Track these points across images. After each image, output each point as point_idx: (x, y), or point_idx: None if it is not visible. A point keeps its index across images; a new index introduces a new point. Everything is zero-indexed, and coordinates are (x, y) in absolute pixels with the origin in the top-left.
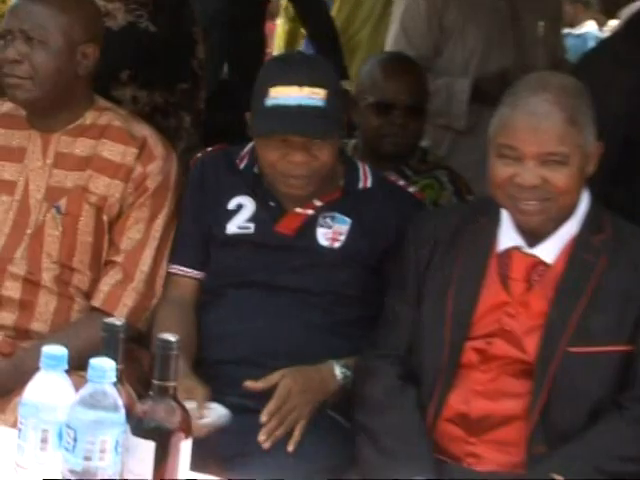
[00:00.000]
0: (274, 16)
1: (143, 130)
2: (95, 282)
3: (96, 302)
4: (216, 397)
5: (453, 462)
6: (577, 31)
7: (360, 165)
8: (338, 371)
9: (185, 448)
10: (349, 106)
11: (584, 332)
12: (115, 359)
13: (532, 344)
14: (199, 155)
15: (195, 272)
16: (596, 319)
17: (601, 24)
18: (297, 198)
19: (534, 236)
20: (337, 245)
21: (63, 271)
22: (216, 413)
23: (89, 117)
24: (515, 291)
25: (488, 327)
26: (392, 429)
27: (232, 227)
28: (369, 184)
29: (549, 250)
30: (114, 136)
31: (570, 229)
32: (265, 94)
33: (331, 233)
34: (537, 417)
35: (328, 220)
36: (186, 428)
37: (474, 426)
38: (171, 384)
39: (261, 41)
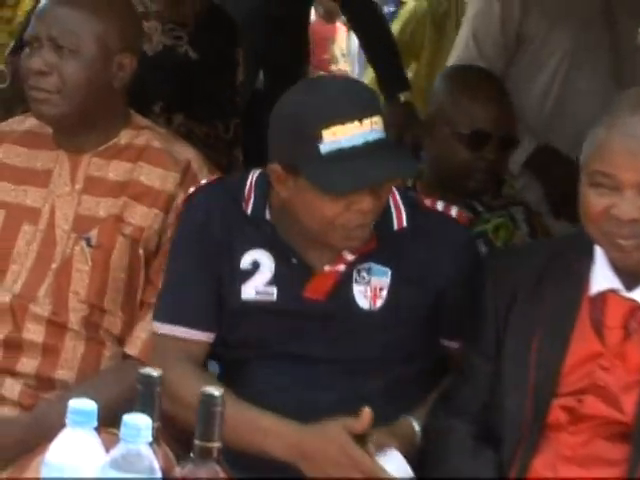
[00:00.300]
0: (333, 17)
1: (186, 152)
2: (129, 325)
3: (131, 350)
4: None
5: None
6: None
7: (391, 200)
8: (417, 427)
9: None
10: (414, 126)
11: None
12: (151, 415)
13: (630, 402)
14: (194, 190)
15: (207, 335)
16: None
17: None
18: (331, 253)
19: (633, 277)
20: (379, 303)
21: (92, 312)
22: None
23: (124, 137)
24: (610, 341)
25: (579, 382)
26: None
27: (249, 291)
28: (405, 222)
29: None
30: (153, 159)
31: None
32: (316, 138)
33: (370, 290)
34: None
35: (364, 274)
36: None
37: None
38: (215, 445)
39: (304, 45)
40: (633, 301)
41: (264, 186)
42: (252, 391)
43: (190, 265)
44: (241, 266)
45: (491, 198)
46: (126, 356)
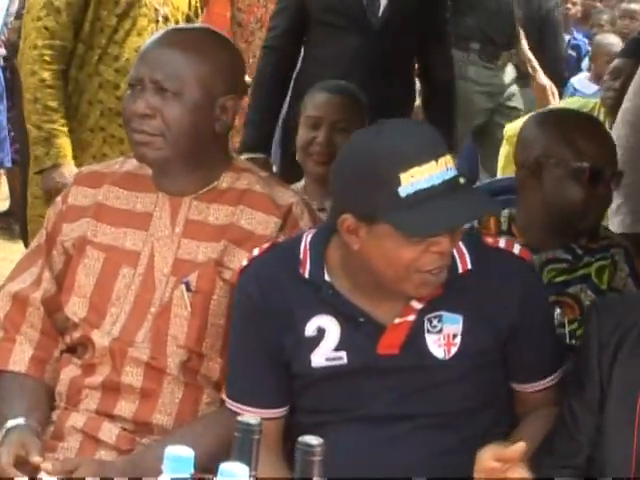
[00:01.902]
0: None
1: (287, 196)
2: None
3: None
4: None
5: None
6: None
7: None
8: None
9: None
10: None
11: None
12: (249, 464)
13: None
14: (246, 264)
15: (278, 410)
16: None
17: None
18: (398, 305)
19: None
20: (454, 351)
21: (191, 357)
22: None
23: (225, 180)
24: None
25: None
26: None
27: (318, 359)
28: (469, 264)
29: None
30: (254, 203)
31: None
32: (394, 182)
33: (443, 338)
34: None
35: (436, 323)
36: None
37: None
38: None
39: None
40: None
41: (320, 246)
42: (330, 456)
43: (250, 345)
44: (306, 334)
45: (589, 240)
46: (224, 402)
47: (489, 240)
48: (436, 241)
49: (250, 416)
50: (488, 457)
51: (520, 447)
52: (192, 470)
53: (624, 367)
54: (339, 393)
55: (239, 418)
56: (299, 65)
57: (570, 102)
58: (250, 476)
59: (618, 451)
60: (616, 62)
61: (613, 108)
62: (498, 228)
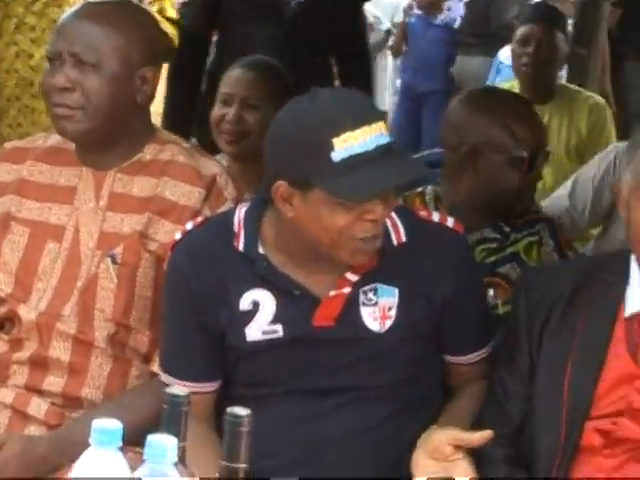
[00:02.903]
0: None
1: (211, 167)
2: (155, 343)
3: (157, 366)
4: None
5: None
6: None
7: None
8: None
9: None
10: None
11: None
12: (177, 435)
13: None
14: (178, 238)
15: (211, 384)
16: None
17: None
18: (333, 277)
19: None
20: (389, 323)
21: (118, 330)
22: None
23: (149, 151)
24: None
25: (614, 405)
26: None
27: (254, 333)
28: (403, 237)
29: None
30: (178, 174)
31: None
32: (327, 147)
33: (378, 310)
34: None
35: (371, 295)
36: None
37: None
38: (241, 466)
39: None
40: None
41: (254, 219)
42: (266, 428)
43: (182, 319)
44: (241, 308)
45: (516, 217)
46: (154, 374)
47: (423, 214)
48: (370, 208)
49: (178, 388)
50: (443, 439)
51: (487, 435)
52: (120, 442)
53: (552, 337)
54: (275, 366)
55: (166, 390)
56: (212, 55)
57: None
58: (179, 448)
59: (547, 420)
60: (524, 29)
61: (529, 75)
62: (424, 207)
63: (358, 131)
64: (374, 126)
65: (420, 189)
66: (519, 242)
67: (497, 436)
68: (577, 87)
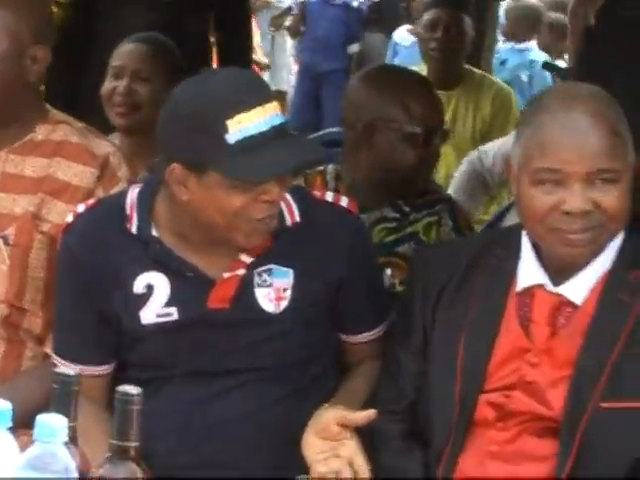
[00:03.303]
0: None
1: (104, 147)
2: (49, 325)
3: (50, 348)
4: None
5: None
6: None
7: None
8: None
9: None
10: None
11: (618, 384)
12: (67, 415)
13: (558, 398)
14: (71, 220)
15: (104, 367)
16: (633, 369)
17: None
18: (227, 259)
19: (560, 272)
20: (284, 304)
21: (12, 312)
22: None
23: (41, 132)
24: (538, 337)
25: (506, 378)
26: None
27: (149, 316)
28: (297, 217)
29: (578, 289)
30: (70, 154)
31: (603, 264)
32: (221, 130)
33: (273, 292)
34: None
35: (265, 277)
36: None
37: None
38: (132, 444)
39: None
40: (560, 296)
41: (147, 200)
42: (162, 409)
43: (75, 303)
44: (135, 291)
45: (416, 196)
46: (47, 356)
47: (316, 193)
48: (266, 189)
49: (67, 368)
50: (331, 419)
51: (371, 414)
52: (10, 423)
53: (446, 313)
54: (170, 348)
55: (56, 370)
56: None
57: None
58: (69, 427)
59: (441, 395)
60: (432, 13)
61: (437, 60)
62: (325, 186)
63: (252, 112)
64: (268, 106)
65: (321, 168)
66: (418, 222)
67: (392, 412)
68: (483, 72)
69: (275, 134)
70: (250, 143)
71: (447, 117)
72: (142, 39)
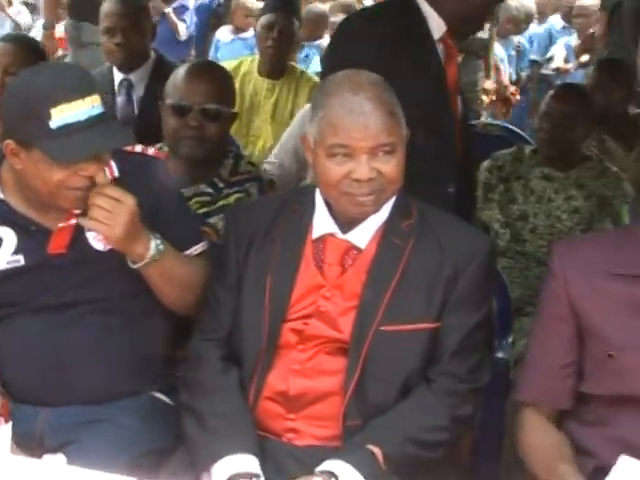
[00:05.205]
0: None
1: None
2: None
3: None
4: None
5: (274, 438)
6: None
7: None
8: (153, 243)
9: (4, 433)
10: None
11: (395, 312)
12: None
13: (347, 324)
14: None
15: None
16: (406, 299)
17: None
18: (62, 213)
19: (348, 223)
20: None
21: None
22: None
23: None
24: (330, 275)
25: (305, 309)
26: (216, 409)
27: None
28: (115, 172)
29: (361, 236)
30: None
31: (381, 216)
32: (46, 116)
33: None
34: (352, 393)
35: None
36: (4, 412)
37: (292, 403)
38: None
39: None
40: (348, 242)
41: None
42: (15, 340)
43: None
44: None
45: (230, 174)
46: None
47: (127, 148)
48: (82, 166)
49: None
50: None
51: None
52: None
53: (256, 256)
54: (19, 289)
55: None
56: None
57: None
58: None
59: (252, 324)
60: (268, 17)
61: (271, 55)
62: (166, 163)
63: (73, 104)
64: (88, 99)
65: (158, 145)
66: (229, 197)
67: (213, 339)
68: (302, 69)
69: (92, 122)
70: (69, 129)
71: (272, 101)
72: (10, 38)
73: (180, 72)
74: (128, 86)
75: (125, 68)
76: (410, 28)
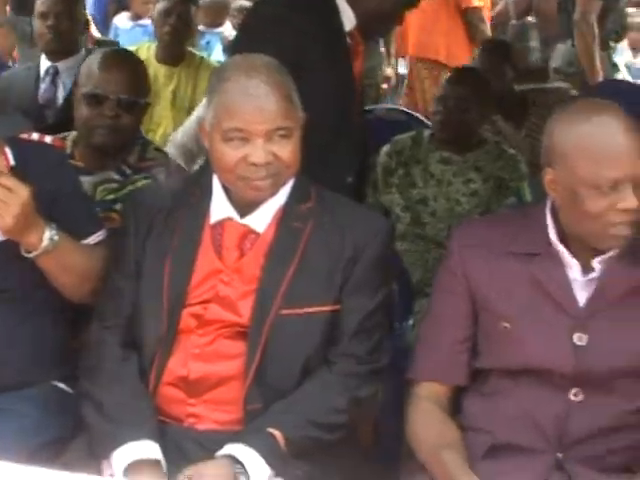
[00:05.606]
0: None
1: None
2: None
3: None
4: None
5: (175, 423)
6: None
7: None
8: (47, 233)
9: None
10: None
11: (294, 295)
12: None
13: (246, 308)
14: None
15: None
16: (305, 282)
17: None
18: None
19: (246, 207)
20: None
21: None
22: None
23: None
24: (228, 259)
25: (204, 294)
26: (116, 397)
27: None
28: (12, 161)
29: (259, 219)
30: None
31: (279, 199)
32: None
33: None
34: (252, 376)
35: None
36: None
37: (193, 388)
38: None
39: None
40: (246, 226)
41: None
42: None
43: None
44: None
45: (138, 160)
46: None
47: (24, 136)
48: None
49: None
50: None
51: None
52: None
53: (155, 242)
54: None
55: None
56: None
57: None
58: None
59: (151, 310)
60: (165, 3)
61: (168, 41)
62: (65, 151)
63: None
64: None
65: (66, 133)
66: (137, 182)
67: (112, 326)
68: (202, 55)
69: None
70: None
71: (171, 88)
72: None
73: (94, 60)
74: (54, 73)
75: (53, 55)
76: (324, 18)
